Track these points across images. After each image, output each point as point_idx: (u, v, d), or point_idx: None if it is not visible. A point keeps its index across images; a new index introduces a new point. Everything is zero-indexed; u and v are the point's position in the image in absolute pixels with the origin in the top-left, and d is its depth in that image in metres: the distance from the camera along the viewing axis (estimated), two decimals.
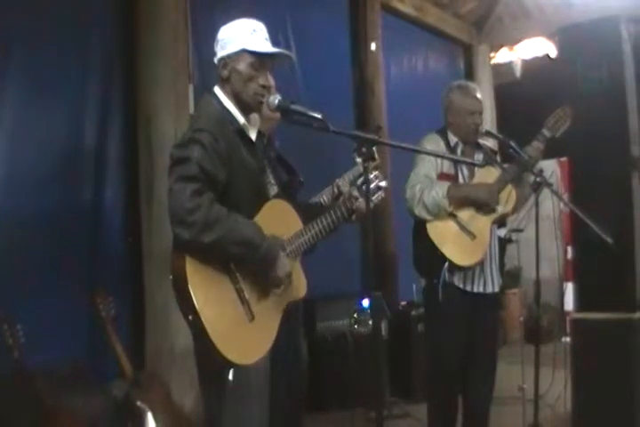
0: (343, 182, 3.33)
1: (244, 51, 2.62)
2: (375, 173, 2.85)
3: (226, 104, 2.67)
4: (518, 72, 9.06)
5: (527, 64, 8.99)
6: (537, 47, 8.71)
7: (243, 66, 2.63)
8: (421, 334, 5.44)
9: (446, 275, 3.73)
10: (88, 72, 4.25)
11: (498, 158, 4.00)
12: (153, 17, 4.34)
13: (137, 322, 4.30)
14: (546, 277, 3.89)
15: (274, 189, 2.81)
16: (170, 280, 2.48)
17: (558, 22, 5.35)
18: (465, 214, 3.77)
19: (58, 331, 3.82)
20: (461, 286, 3.79)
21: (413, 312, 5.71)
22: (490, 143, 4.23)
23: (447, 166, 3.84)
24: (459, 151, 3.89)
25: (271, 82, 3.00)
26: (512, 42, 8.80)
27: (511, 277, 6.86)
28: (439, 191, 3.71)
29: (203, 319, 2.37)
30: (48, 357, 3.66)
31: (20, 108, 3.84)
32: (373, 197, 2.85)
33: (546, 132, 3.75)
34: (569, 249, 5.15)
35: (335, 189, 3.35)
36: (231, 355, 2.41)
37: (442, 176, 3.82)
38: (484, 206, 3.76)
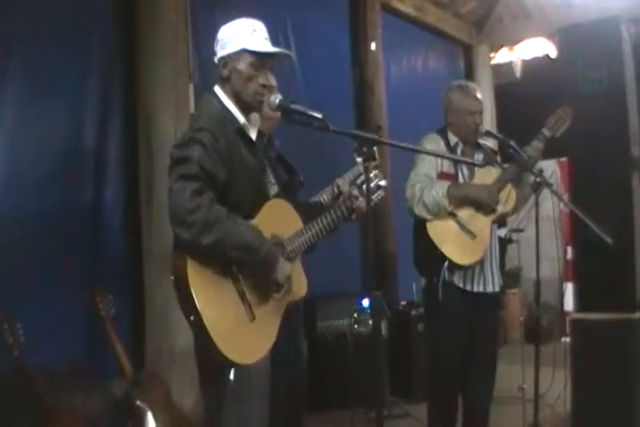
0: (343, 182, 3.33)
1: (244, 50, 2.62)
2: (375, 172, 2.86)
3: (226, 104, 2.67)
4: (518, 72, 9.06)
5: (527, 64, 8.99)
6: (537, 47, 8.71)
7: (243, 65, 2.63)
8: (421, 334, 5.44)
9: (446, 274, 3.73)
10: (88, 72, 4.25)
11: (498, 158, 4.00)
12: (153, 17, 4.33)
13: (137, 321, 4.29)
14: (546, 277, 3.89)
15: (274, 189, 2.82)
16: (170, 280, 2.49)
17: (558, 22, 5.35)
18: (465, 214, 3.77)
19: (58, 330, 3.82)
20: (461, 285, 3.79)
21: (413, 312, 5.71)
22: (490, 143, 4.23)
23: (447, 166, 3.84)
24: (459, 151, 3.89)
25: (273, 82, 3.01)
26: (512, 42, 8.80)
27: (511, 277, 6.87)
28: (439, 190, 3.71)
29: (204, 319, 2.38)
30: (48, 356, 3.65)
31: (20, 109, 3.84)
32: (373, 197, 2.85)
33: (546, 132, 3.75)
34: (569, 249, 5.16)
35: (335, 189, 3.35)
36: (232, 355, 2.41)
37: (442, 176, 3.82)
38: (483, 206, 3.76)
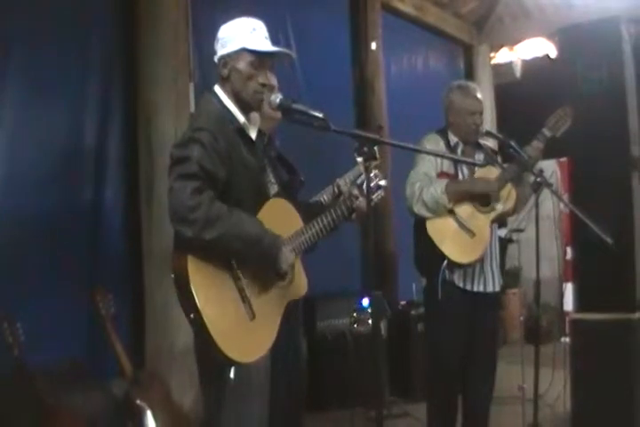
0: (344, 182, 3.34)
1: (243, 49, 2.62)
2: (375, 171, 2.86)
3: (226, 103, 2.67)
4: (518, 72, 9.06)
5: (527, 64, 8.99)
6: (537, 47, 8.71)
7: (242, 65, 2.63)
8: (421, 334, 5.45)
9: (446, 273, 3.73)
10: (88, 72, 4.25)
11: (498, 158, 4.00)
12: (153, 16, 4.33)
13: (137, 321, 4.30)
14: (546, 277, 3.89)
15: (274, 188, 2.82)
16: (170, 279, 2.49)
17: (558, 23, 5.36)
18: (464, 212, 3.77)
19: (58, 329, 3.82)
20: (461, 284, 3.79)
21: (413, 312, 5.72)
22: (490, 143, 4.23)
23: (447, 166, 3.85)
24: (459, 151, 3.89)
25: (274, 82, 3.00)
26: (512, 42, 8.80)
27: (511, 277, 6.87)
28: (437, 188, 3.72)
29: (204, 317, 2.38)
30: (48, 355, 3.66)
31: (20, 108, 3.84)
32: (373, 196, 2.85)
33: (546, 132, 3.75)
34: (568, 249, 5.16)
35: (335, 189, 3.35)
36: (232, 353, 2.41)
37: (442, 175, 3.83)
38: (483, 199, 3.75)
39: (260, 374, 2.57)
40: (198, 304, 2.38)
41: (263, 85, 2.67)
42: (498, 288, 3.93)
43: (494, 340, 4.03)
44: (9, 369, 3.30)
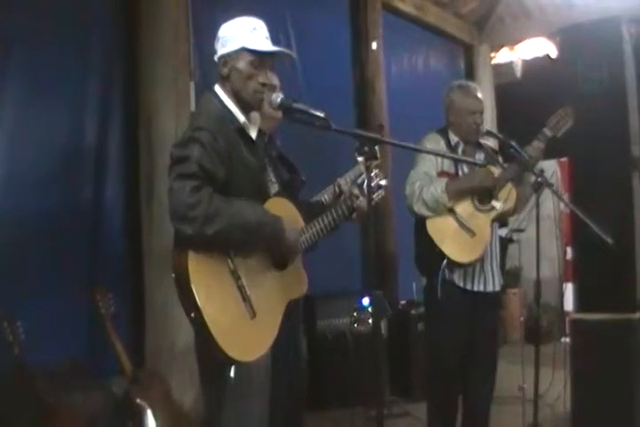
0: (344, 181, 3.34)
1: (243, 49, 2.62)
2: (375, 171, 2.86)
3: (226, 102, 2.67)
4: (519, 72, 9.06)
5: (528, 64, 8.99)
6: (537, 47, 8.71)
7: (242, 64, 2.63)
8: (421, 333, 5.45)
9: (446, 272, 3.73)
10: (88, 72, 4.25)
11: (499, 158, 4.00)
12: (154, 15, 4.33)
13: (137, 320, 4.30)
14: (546, 277, 3.89)
15: (274, 188, 2.82)
16: (171, 278, 2.49)
17: (559, 23, 5.36)
18: (465, 211, 3.77)
19: (58, 329, 3.82)
20: (461, 284, 3.79)
21: (413, 311, 5.72)
22: (491, 143, 4.23)
23: (447, 165, 3.85)
24: (459, 151, 3.89)
25: (275, 81, 3.01)
26: (513, 42, 8.80)
27: (511, 277, 6.87)
28: (437, 187, 3.72)
29: (205, 317, 2.38)
30: (48, 354, 3.66)
31: (20, 108, 3.84)
32: (374, 196, 2.85)
33: (547, 132, 3.75)
34: (568, 249, 5.16)
35: (336, 188, 3.36)
36: (233, 352, 2.42)
37: (442, 174, 3.83)
38: (483, 192, 3.75)
39: (260, 373, 2.58)
40: (199, 303, 2.38)
41: (263, 85, 2.67)
42: (498, 288, 3.93)
43: (494, 340, 4.03)
44: (9, 368, 3.30)
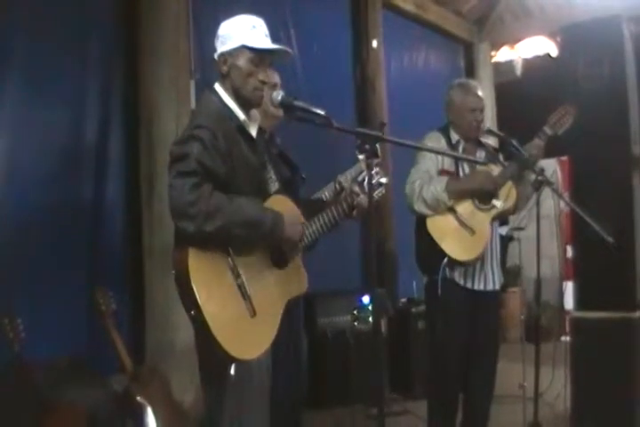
0: (345, 179, 3.34)
1: (243, 47, 2.63)
2: (376, 169, 2.86)
3: (226, 100, 2.67)
4: (519, 71, 9.05)
5: (528, 63, 8.98)
6: (538, 46, 8.70)
7: (242, 62, 2.63)
8: (421, 331, 5.46)
9: (446, 271, 3.73)
10: (88, 70, 4.25)
11: (500, 156, 4.00)
12: (154, 14, 4.34)
13: (137, 317, 4.30)
14: (546, 275, 3.89)
15: (275, 185, 2.82)
16: (171, 276, 2.49)
17: (559, 21, 5.35)
18: (465, 210, 3.77)
19: (58, 326, 3.83)
20: (462, 282, 3.79)
21: (413, 309, 5.72)
22: (491, 141, 4.24)
23: (448, 163, 3.85)
24: (460, 149, 3.89)
25: (276, 79, 3.00)
26: (513, 40, 8.80)
27: (511, 276, 6.87)
28: (437, 186, 3.72)
29: (205, 314, 2.38)
30: (48, 351, 3.67)
31: (21, 109, 3.84)
32: (374, 193, 2.85)
33: (547, 130, 3.75)
34: (568, 248, 5.16)
35: (337, 186, 3.36)
36: (233, 350, 2.41)
37: (443, 173, 3.82)
38: (484, 195, 3.75)
39: (260, 370, 2.58)
40: (199, 301, 2.38)
41: (263, 83, 2.67)
42: (498, 286, 3.93)
43: (495, 338, 4.02)
44: (9, 365, 3.30)
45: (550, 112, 3.79)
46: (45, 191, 3.94)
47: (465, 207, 3.78)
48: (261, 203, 2.61)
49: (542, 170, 3.58)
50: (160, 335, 4.21)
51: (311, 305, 5.25)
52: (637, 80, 4.35)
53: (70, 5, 4.11)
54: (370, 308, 4.97)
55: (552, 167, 6.08)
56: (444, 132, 3.92)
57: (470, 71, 8.52)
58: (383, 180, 2.89)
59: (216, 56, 2.70)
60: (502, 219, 4.12)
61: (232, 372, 2.48)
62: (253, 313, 2.53)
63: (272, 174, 2.84)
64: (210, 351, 2.45)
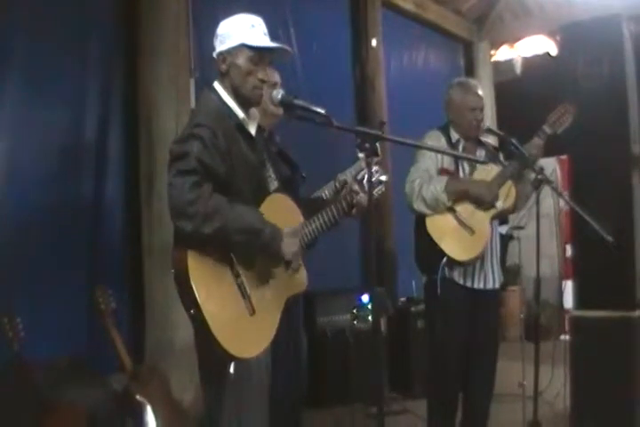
0: (345, 177, 3.34)
1: (242, 45, 2.62)
2: (376, 167, 2.86)
3: (225, 99, 2.67)
4: (518, 70, 9.06)
5: (527, 62, 8.99)
6: (537, 45, 8.71)
7: (241, 60, 2.63)
8: (420, 331, 5.46)
9: (445, 270, 3.73)
10: (88, 70, 4.26)
11: (500, 155, 4.00)
12: (154, 13, 4.34)
13: (137, 316, 4.31)
14: (545, 274, 3.89)
15: (274, 184, 2.82)
16: (171, 274, 2.49)
17: (559, 20, 5.36)
18: (464, 210, 3.77)
19: (58, 325, 3.83)
20: (461, 281, 3.79)
21: (412, 308, 5.72)
22: (491, 140, 4.23)
23: (448, 162, 3.84)
24: (460, 148, 3.89)
25: (276, 78, 3.00)
26: (512, 39, 8.81)
27: (511, 275, 6.87)
28: (437, 185, 3.72)
29: (204, 313, 2.38)
30: (48, 351, 3.67)
31: (21, 108, 3.85)
32: (374, 191, 2.85)
33: (547, 129, 3.75)
34: (567, 247, 5.16)
35: (337, 184, 3.35)
36: (232, 348, 2.42)
37: (442, 172, 3.82)
38: (483, 202, 3.76)
39: (260, 369, 2.58)
40: (199, 300, 2.38)
41: (262, 81, 2.67)
42: (498, 285, 3.93)
43: (495, 337, 4.01)
44: (9, 365, 3.30)
45: (550, 111, 3.79)
46: (45, 191, 3.94)
47: (464, 207, 3.78)
48: (262, 214, 2.58)
49: (542, 169, 3.58)
50: (159, 334, 4.21)
51: (311, 304, 5.25)
52: (637, 79, 4.35)
53: (70, 5, 4.11)
54: (369, 307, 4.97)
55: (552, 166, 6.09)
56: (444, 131, 3.92)
57: (470, 70, 8.52)
58: (383, 178, 2.88)
59: (215, 55, 2.70)
60: (502, 218, 4.12)
61: (231, 370, 2.48)
62: (253, 312, 2.53)
63: (271, 173, 2.84)
64: (209, 350, 2.45)
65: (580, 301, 4.25)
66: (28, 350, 3.31)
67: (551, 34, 7.94)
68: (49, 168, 3.99)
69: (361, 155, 2.48)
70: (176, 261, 2.46)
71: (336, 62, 6.35)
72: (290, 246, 2.58)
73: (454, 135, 3.90)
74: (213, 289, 2.45)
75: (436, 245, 3.72)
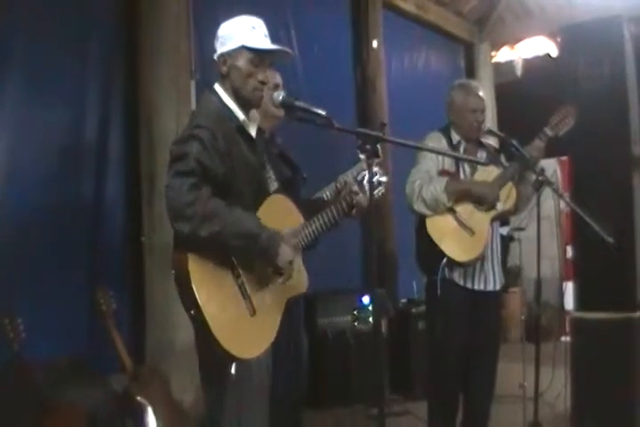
0: (346, 178, 3.34)
1: (243, 47, 2.63)
2: (376, 169, 2.86)
3: (225, 101, 2.68)
4: (519, 71, 9.06)
5: (528, 63, 8.98)
6: (538, 46, 8.70)
7: (242, 62, 2.64)
8: (421, 332, 5.46)
9: (445, 271, 3.73)
10: (88, 70, 4.26)
11: (501, 157, 4.00)
12: (155, 14, 4.34)
13: (137, 317, 4.31)
14: (546, 276, 3.88)
15: (274, 185, 2.82)
16: (171, 275, 2.49)
17: (559, 21, 5.36)
18: (464, 211, 3.77)
19: (58, 325, 3.83)
20: (461, 283, 3.79)
21: (413, 310, 5.72)
22: (492, 142, 4.24)
23: (448, 163, 3.85)
24: (461, 149, 3.89)
25: (278, 80, 3.00)
26: (513, 41, 8.81)
27: (511, 276, 6.87)
28: (437, 186, 3.72)
29: (205, 314, 2.39)
30: (48, 351, 3.67)
31: (21, 108, 3.85)
32: (374, 192, 2.85)
33: (548, 131, 3.75)
34: (568, 248, 5.16)
35: (338, 185, 3.36)
36: (233, 349, 2.42)
37: (443, 173, 3.83)
38: (483, 202, 3.76)
39: (260, 370, 2.58)
40: (199, 301, 2.38)
41: (262, 83, 2.67)
42: (499, 287, 3.93)
43: (495, 339, 4.01)
44: (9, 365, 3.30)
45: (550, 112, 3.79)
46: (45, 191, 3.94)
47: (465, 208, 3.78)
48: (260, 219, 2.57)
49: (543, 170, 3.58)
50: (160, 335, 4.21)
51: (311, 305, 5.24)
52: (637, 80, 4.35)
53: (70, 5, 4.12)
54: (370, 308, 4.97)
55: (552, 167, 6.07)
56: (445, 132, 3.92)
57: (470, 71, 8.53)
58: (383, 178, 2.89)
59: (216, 57, 2.70)
60: (503, 219, 4.12)
61: (232, 371, 2.48)
62: (253, 312, 2.53)
63: (271, 174, 2.84)
64: (210, 351, 2.45)
65: (581, 302, 4.25)
66: (29, 350, 3.31)
67: (552, 35, 7.95)
68: (49, 168, 3.99)
69: (362, 156, 2.48)
70: (176, 262, 2.47)
71: (337, 64, 6.35)
72: (286, 254, 2.57)
73: (455, 137, 3.91)
74: (214, 290, 2.45)
75: (436, 245, 3.73)
